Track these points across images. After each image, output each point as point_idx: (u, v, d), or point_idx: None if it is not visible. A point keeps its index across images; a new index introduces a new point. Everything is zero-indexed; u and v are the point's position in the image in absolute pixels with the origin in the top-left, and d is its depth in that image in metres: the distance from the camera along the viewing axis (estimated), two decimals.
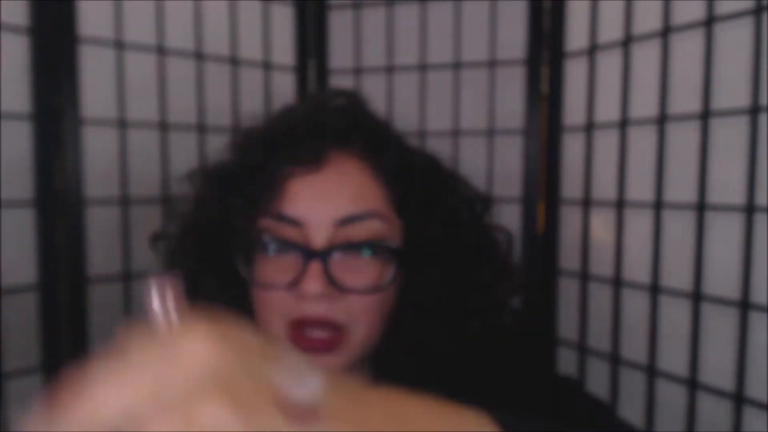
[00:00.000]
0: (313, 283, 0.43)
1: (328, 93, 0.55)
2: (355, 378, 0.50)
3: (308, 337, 0.45)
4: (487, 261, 0.51)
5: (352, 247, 0.45)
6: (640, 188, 0.93)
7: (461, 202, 0.51)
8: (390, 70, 1.14)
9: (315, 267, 0.44)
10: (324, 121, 0.48)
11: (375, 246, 0.46)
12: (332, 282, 0.44)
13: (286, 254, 0.46)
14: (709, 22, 0.82)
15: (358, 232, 0.45)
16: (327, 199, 0.46)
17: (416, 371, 0.47)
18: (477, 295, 0.50)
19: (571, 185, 1.04)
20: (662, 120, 0.89)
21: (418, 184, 0.48)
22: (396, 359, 0.49)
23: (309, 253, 0.44)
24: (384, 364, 0.50)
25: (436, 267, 0.49)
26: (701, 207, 0.84)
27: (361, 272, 0.46)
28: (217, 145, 1.04)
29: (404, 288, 0.49)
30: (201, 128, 1.05)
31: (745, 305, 0.80)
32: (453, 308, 0.49)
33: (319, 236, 0.45)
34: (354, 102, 0.52)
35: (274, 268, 0.46)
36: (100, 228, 0.97)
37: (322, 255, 0.44)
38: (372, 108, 0.53)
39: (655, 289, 0.91)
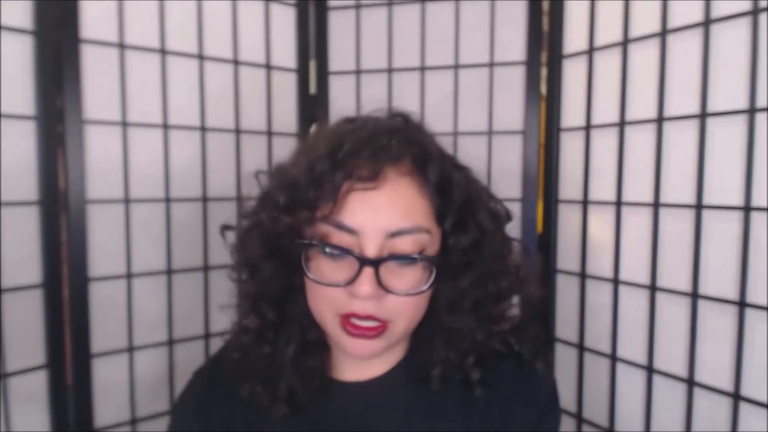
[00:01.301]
0: (365, 285, 0.51)
1: (384, 114, 0.61)
2: (393, 351, 0.60)
3: (356, 324, 0.53)
4: (506, 267, 0.59)
5: (399, 258, 0.53)
6: (638, 189, 0.93)
7: (489, 215, 0.58)
8: (390, 71, 1.15)
9: (367, 272, 0.51)
10: (383, 144, 0.53)
11: (418, 258, 0.53)
12: (380, 285, 0.52)
13: (342, 256, 0.53)
14: (707, 23, 0.83)
15: (405, 243, 0.53)
16: (381, 214, 0.52)
17: (446, 349, 0.58)
18: (498, 295, 0.58)
19: (569, 186, 1.05)
20: (660, 121, 0.89)
21: (455, 198, 0.55)
22: (430, 340, 0.59)
23: (363, 261, 0.51)
24: (419, 341, 0.60)
25: (466, 270, 0.56)
26: (698, 207, 0.85)
27: (405, 277, 0.54)
28: (219, 146, 1.07)
29: (439, 286, 0.56)
30: (203, 129, 1.06)
31: (742, 304, 0.81)
32: (479, 305, 0.58)
33: (372, 245, 0.52)
34: (408, 124, 0.59)
35: (329, 266, 0.54)
36: (103, 228, 0.98)
37: (374, 263, 0.51)
38: (422, 127, 0.60)
39: (652, 289, 0.92)
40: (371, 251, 0.52)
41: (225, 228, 0.64)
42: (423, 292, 0.54)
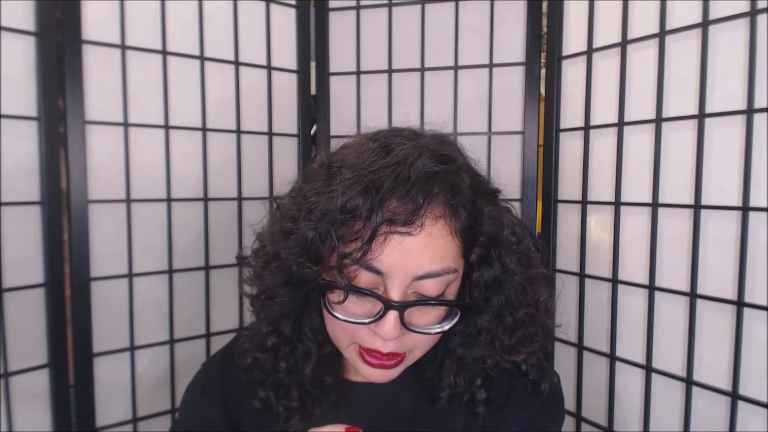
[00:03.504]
0: (390, 328, 0.51)
1: (426, 141, 0.55)
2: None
3: (375, 358, 0.54)
4: (525, 299, 0.58)
5: (425, 302, 0.52)
6: (637, 189, 0.94)
7: (515, 255, 0.56)
8: (390, 72, 1.15)
9: (392, 314, 0.51)
10: (424, 189, 0.50)
11: (442, 302, 0.53)
12: (404, 325, 0.52)
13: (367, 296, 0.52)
14: (705, 24, 0.84)
15: (431, 284, 0.52)
16: (412, 258, 0.50)
17: (456, 376, 0.59)
18: (513, 326, 0.58)
19: (568, 186, 1.06)
20: (658, 121, 0.90)
21: (484, 232, 0.54)
22: (440, 362, 0.60)
23: (389, 305, 0.51)
24: (430, 359, 0.60)
25: (486, 306, 0.56)
26: (697, 207, 0.86)
27: (428, 315, 0.54)
28: (220, 146, 1.08)
29: (461, 325, 0.57)
30: (204, 130, 1.07)
31: (740, 304, 0.81)
32: (494, 338, 0.57)
33: (397, 287, 0.51)
34: (449, 164, 0.54)
35: (352, 301, 0.53)
36: (104, 227, 0.98)
37: (400, 307, 0.51)
38: (461, 166, 0.55)
39: (651, 289, 0.92)
40: (396, 294, 0.51)
41: (242, 259, 0.63)
42: (444, 330, 0.54)
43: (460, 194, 0.52)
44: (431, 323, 0.54)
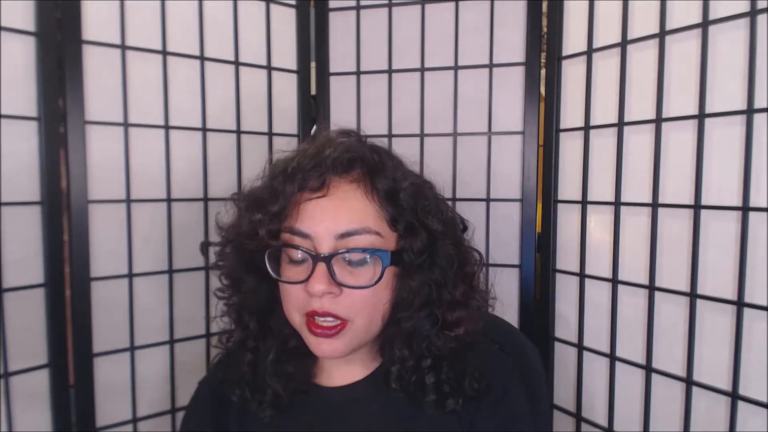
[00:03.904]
0: (318, 282, 0.55)
1: (335, 132, 0.64)
2: (359, 356, 0.64)
3: (318, 323, 0.58)
4: (462, 276, 0.62)
5: (347, 252, 0.57)
6: (637, 189, 0.94)
7: (440, 222, 0.61)
8: (390, 72, 1.15)
9: (320, 269, 0.56)
10: (328, 156, 0.58)
11: (365, 250, 0.57)
12: (334, 281, 0.56)
13: (303, 261, 0.58)
14: (705, 24, 0.84)
15: (354, 243, 0.57)
16: (329, 218, 0.57)
17: (402, 349, 0.61)
18: (453, 302, 0.61)
19: (568, 186, 1.06)
20: (658, 122, 0.90)
21: (405, 204, 0.59)
22: (392, 345, 0.62)
23: (315, 257, 0.56)
24: (384, 348, 0.63)
25: (420, 272, 0.60)
26: (697, 207, 0.86)
27: (358, 275, 0.58)
28: (220, 146, 1.08)
29: (398, 292, 0.60)
30: (204, 130, 1.07)
31: (740, 304, 0.81)
32: (433, 308, 0.60)
33: (323, 246, 0.57)
34: (355, 138, 0.63)
35: (293, 270, 0.59)
36: (104, 227, 0.98)
37: (325, 259, 0.56)
38: (371, 143, 0.63)
39: (651, 289, 0.92)
40: (322, 251, 0.56)
41: (204, 245, 0.68)
42: (373, 285, 0.57)
43: (369, 163, 0.59)
44: (361, 283, 0.57)
